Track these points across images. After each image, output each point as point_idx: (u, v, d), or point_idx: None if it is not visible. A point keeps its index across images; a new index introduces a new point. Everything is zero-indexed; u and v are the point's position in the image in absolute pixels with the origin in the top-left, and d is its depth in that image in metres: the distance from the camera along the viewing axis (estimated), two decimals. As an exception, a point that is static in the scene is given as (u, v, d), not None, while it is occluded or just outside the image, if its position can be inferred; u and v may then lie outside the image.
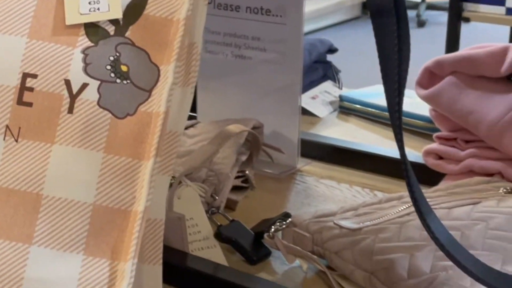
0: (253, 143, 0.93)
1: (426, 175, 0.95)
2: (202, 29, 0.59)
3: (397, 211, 0.77)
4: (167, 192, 0.58)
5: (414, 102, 1.05)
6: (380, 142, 1.15)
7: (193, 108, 1.10)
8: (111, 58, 0.55)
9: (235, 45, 1.05)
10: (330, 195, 0.98)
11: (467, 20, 2.22)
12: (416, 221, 0.74)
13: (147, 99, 0.54)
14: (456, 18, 2.16)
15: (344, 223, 0.77)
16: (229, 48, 1.06)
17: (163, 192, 0.58)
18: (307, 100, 1.28)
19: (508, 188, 0.81)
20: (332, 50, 1.36)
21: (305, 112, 1.25)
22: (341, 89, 1.34)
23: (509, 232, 0.70)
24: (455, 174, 0.92)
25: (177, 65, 0.55)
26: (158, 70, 0.55)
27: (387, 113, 1.20)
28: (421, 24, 4.98)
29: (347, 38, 4.41)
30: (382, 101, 1.24)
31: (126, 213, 0.52)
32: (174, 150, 0.57)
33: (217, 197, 0.84)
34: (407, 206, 0.78)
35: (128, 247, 0.51)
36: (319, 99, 1.30)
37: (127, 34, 0.56)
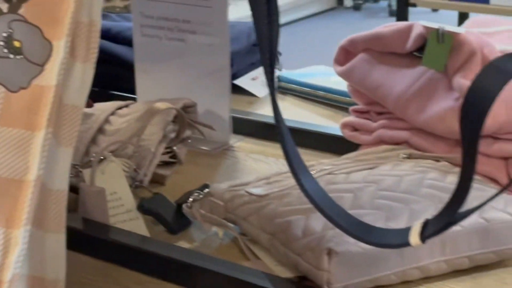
0: (180, 121, 0.99)
1: (345, 146, 1.01)
2: (100, 8, 0.64)
3: (303, 178, 0.84)
4: (70, 164, 0.64)
5: (338, 80, 1.11)
6: (312, 119, 1.21)
7: (134, 90, 1.16)
8: (4, 35, 0.60)
9: (168, 28, 1.11)
10: (257, 168, 1.05)
11: (413, 5, 2.29)
12: (317, 186, 0.80)
13: (40, 73, 0.59)
14: (404, 3, 2.23)
15: (253, 190, 0.83)
16: (163, 31, 1.11)
17: (66, 164, 0.63)
18: (247, 81, 1.34)
19: (407, 154, 0.88)
20: (273, 32, 1.42)
21: (245, 92, 1.31)
22: (281, 70, 1.40)
23: (395, 192, 0.77)
24: (368, 144, 0.99)
25: (67, 40, 0.60)
26: (51, 45, 0.60)
27: (321, 92, 1.29)
28: (392, 13, 5.09)
29: (323, 28, 4.48)
30: (316, 80, 1.31)
31: (20, 183, 0.57)
32: (76, 123, 0.62)
33: (140, 171, 0.90)
34: (312, 173, 0.84)
35: (21, 214, 0.57)
36: (259, 80, 1.36)
37: (20, 11, 0.60)
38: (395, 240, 0.63)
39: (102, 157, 0.87)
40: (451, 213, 0.59)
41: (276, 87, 1.33)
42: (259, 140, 1.14)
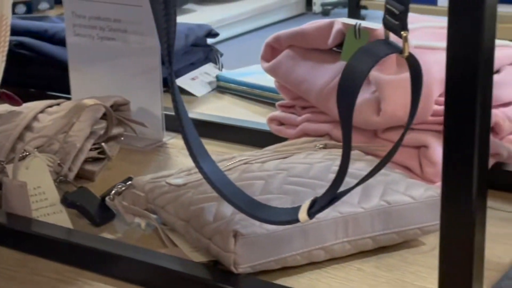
0: (109, 118, 1.01)
1: (272, 140, 1.04)
2: (11, 3, 0.66)
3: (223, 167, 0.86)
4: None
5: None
6: (248, 116, 1.23)
7: (68, 89, 1.18)
8: None
9: (100, 27, 1.13)
10: (187, 164, 1.07)
11: (365, 7, 2.34)
12: (233, 175, 0.83)
13: None
14: (355, 6, 2.28)
15: (172, 181, 0.85)
16: (95, 30, 1.14)
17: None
18: (186, 81, 1.37)
19: (323, 144, 0.91)
20: (213, 34, 1.45)
21: (184, 92, 1.34)
22: (221, 70, 1.42)
23: (304, 178, 0.80)
24: (293, 137, 1.02)
25: None
26: None
27: (257, 90, 1.31)
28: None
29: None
30: (253, 79, 1.34)
31: None
32: None
33: (64, 166, 0.92)
34: (229, 163, 0.86)
35: None
36: (198, 80, 1.39)
37: None
38: (286, 217, 0.66)
39: (27, 153, 0.89)
40: (334, 190, 0.62)
41: (214, 87, 1.38)
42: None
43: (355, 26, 0.96)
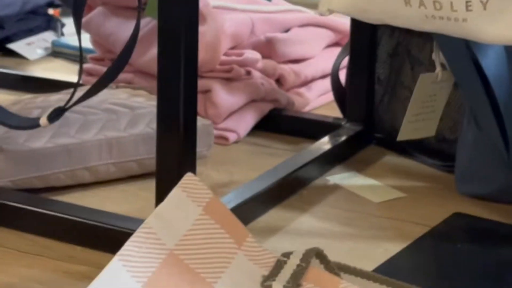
0: None
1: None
2: None
3: None
4: None
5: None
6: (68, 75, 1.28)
7: None
8: None
9: None
10: None
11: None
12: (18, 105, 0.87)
13: None
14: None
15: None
16: None
17: None
18: (21, 45, 1.41)
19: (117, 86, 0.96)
20: (55, 5, 1.49)
21: (18, 55, 1.38)
22: (62, 36, 1.46)
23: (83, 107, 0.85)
24: (100, 87, 1.07)
25: None
26: None
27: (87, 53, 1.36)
28: None
29: None
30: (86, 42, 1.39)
31: None
32: None
33: None
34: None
35: None
36: (34, 45, 1.42)
37: None
38: (30, 122, 0.71)
39: None
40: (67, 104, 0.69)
41: (50, 52, 1.42)
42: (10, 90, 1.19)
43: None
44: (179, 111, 0.67)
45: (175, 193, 0.56)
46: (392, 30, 0.93)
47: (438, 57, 0.82)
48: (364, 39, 0.93)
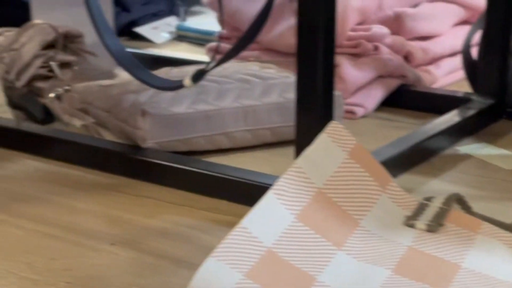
0: (58, 41, 1.11)
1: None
2: None
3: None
4: None
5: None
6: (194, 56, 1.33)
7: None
8: None
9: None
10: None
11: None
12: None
13: None
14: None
15: (103, 82, 0.94)
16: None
17: None
18: (147, 29, 1.47)
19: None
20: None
21: (145, 39, 1.44)
22: (184, 20, 1.52)
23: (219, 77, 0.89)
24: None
25: None
26: None
27: (208, 36, 1.41)
28: None
29: None
30: (210, 26, 1.44)
31: None
32: None
33: (10, 73, 1.01)
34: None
35: None
36: (159, 29, 1.49)
37: None
38: (173, 84, 0.76)
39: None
40: (210, 64, 0.73)
41: (175, 36, 1.48)
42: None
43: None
44: (317, 82, 0.69)
45: (322, 138, 0.59)
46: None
47: None
48: (499, 13, 0.94)
